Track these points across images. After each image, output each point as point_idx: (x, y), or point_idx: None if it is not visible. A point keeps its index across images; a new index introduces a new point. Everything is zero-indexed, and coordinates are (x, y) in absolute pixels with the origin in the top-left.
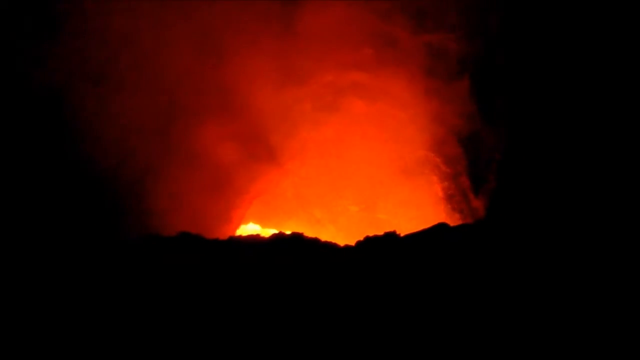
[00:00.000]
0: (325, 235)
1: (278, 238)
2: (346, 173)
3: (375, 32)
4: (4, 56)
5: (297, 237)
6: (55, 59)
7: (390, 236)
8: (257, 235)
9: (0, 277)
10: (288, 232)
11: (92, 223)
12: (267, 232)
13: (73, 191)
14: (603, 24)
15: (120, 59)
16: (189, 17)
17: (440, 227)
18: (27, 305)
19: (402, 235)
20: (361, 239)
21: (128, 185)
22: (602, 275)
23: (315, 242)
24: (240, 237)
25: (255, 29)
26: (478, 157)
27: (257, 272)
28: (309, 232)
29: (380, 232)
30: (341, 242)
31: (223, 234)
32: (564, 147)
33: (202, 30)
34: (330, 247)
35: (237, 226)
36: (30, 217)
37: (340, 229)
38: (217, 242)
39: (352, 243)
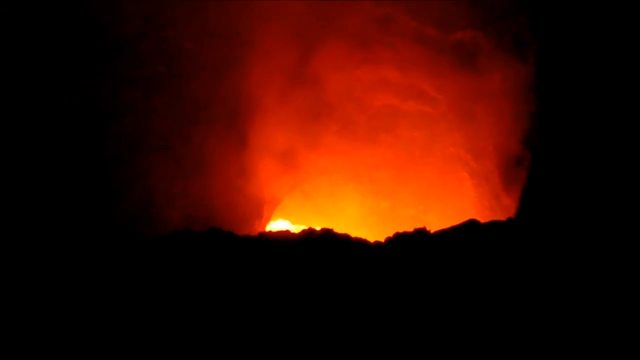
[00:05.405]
0: (355, 231)
1: (309, 234)
2: (377, 170)
3: (407, 30)
4: None
5: (328, 233)
6: None
7: (420, 233)
8: (288, 232)
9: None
10: (318, 228)
11: (121, 217)
12: (298, 228)
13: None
14: (635, 23)
15: None
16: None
17: (471, 224)
18: (60, 296)
19: (432, 231)
20: (391, 235)
21: (159, 182)
22: (635, 277)
23: (346, 238)
24: (270, 232)
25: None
26: (509, 154)
27: (288, 267)
28: (340, 228)
29: (410, 229)
30: (371, 239)
31: (253, 230)
32: (598, 145)
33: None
34: (361, 243)
35: (267, 222)
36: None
37: (371, 225)
38: (248, 239)
39: (383, 239)
